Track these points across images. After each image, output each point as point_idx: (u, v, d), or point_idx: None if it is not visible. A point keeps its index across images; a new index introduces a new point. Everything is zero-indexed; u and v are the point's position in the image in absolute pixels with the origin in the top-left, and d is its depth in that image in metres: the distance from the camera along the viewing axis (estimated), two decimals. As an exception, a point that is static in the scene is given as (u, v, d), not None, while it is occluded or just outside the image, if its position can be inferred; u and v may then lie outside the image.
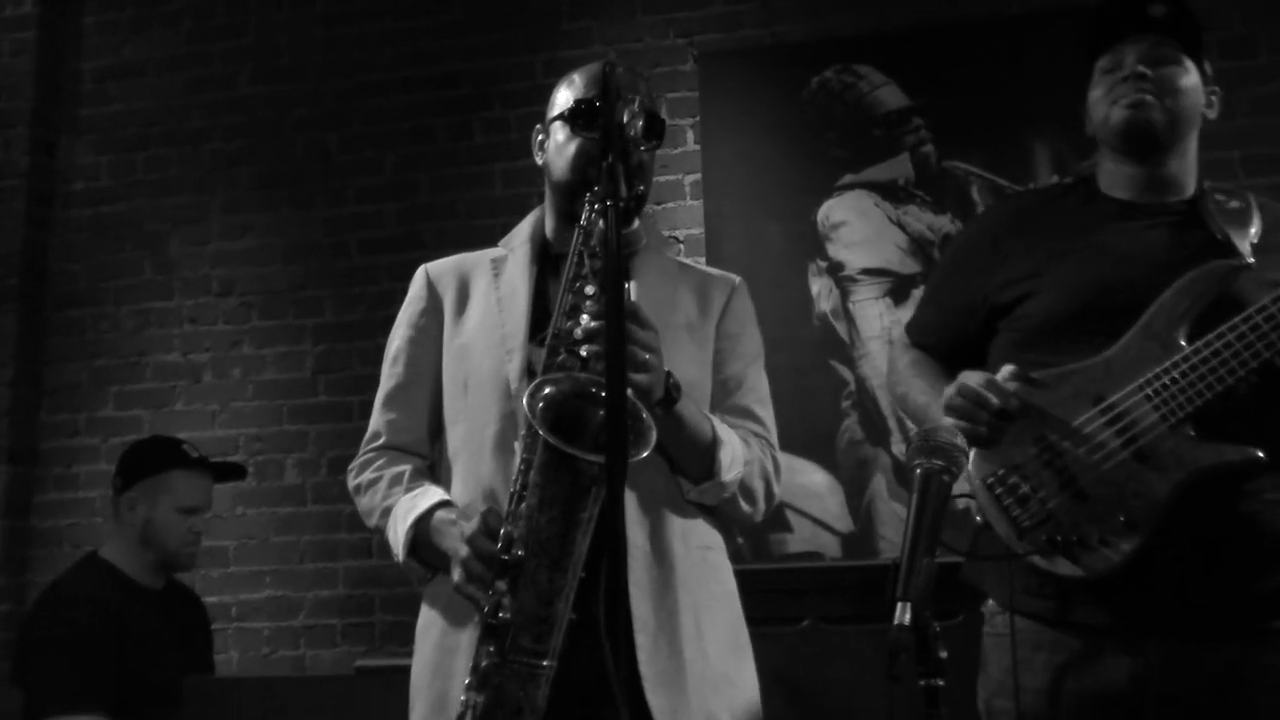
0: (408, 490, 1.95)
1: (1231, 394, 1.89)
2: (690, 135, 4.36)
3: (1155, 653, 1.90)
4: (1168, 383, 1.90)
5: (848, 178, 4.19)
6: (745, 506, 1.98)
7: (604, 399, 1.45)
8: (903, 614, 1.46)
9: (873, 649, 2.57)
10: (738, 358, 2.07)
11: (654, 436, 1.69)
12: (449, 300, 2.06)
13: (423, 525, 1.89)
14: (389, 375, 2.08)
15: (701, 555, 1.94)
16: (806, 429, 3.94)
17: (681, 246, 4.21)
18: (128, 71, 4.88)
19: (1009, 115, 4.05)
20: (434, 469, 2.04)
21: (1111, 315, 1.97)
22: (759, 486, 1.99)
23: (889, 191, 4.15)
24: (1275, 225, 2.02)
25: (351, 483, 2.04)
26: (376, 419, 2.07)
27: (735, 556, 2.06)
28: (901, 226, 4.12)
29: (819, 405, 4.03)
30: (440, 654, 1.89)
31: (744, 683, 1.93)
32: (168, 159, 4.78)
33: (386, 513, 1.96)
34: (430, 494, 1.93)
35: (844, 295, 4.13)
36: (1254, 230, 1.99)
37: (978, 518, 1.98)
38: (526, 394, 1.69)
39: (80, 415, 4.65)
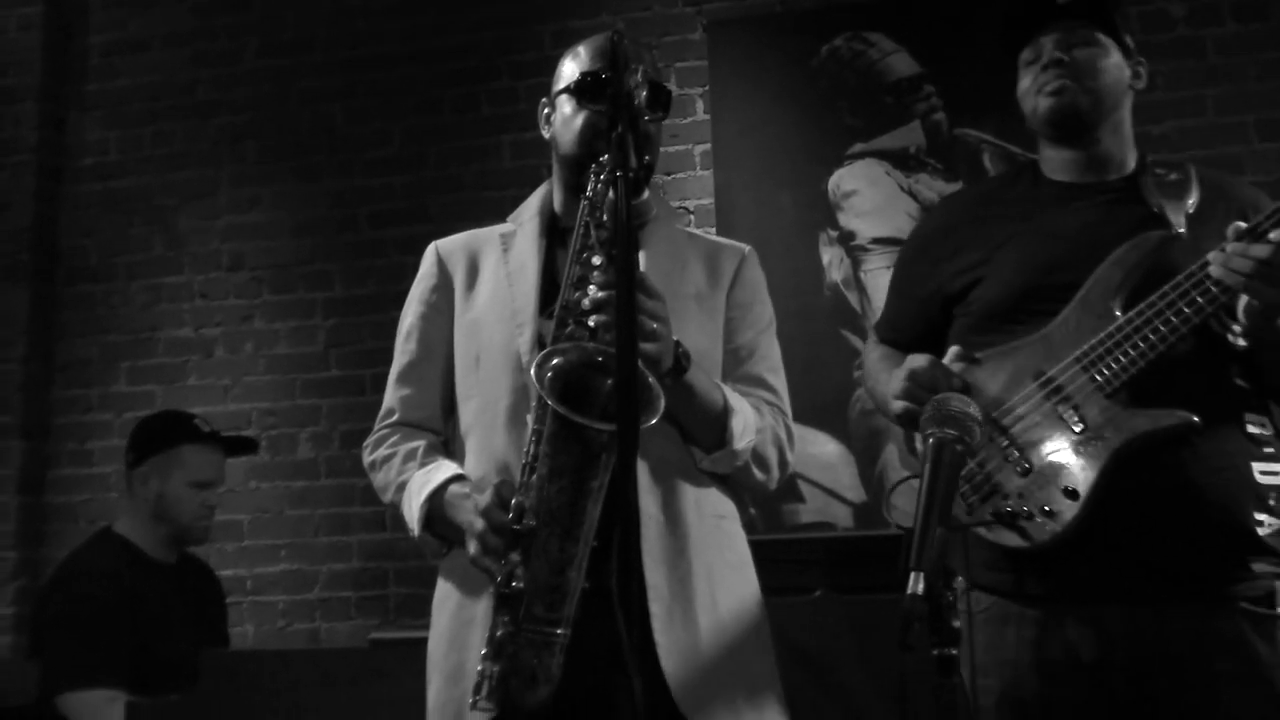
0: (421, 466, 1.96)
1: (1166, 360, 1.92)
2: (699, 105, 4.33)
3: (1116, 621, 1.92)
4: (1103, 353, 1.95)
5: (858, 146, 4.16)
6: (759, 474, 1.99)
7: (612, 368, 1.45)
8: (916, 583, 1.46)
9: (885, 619, 2.58)
10: (749, 326, 2.07)
11: (662, 403, 1.69)
12: (459, 276, 2.06)
13: (437, 500, 1.90)
14: (402, 352, 2.09)
15: (715, 524, 1.94)
16: (818, 399, 3.93)
17: (692, 217, 4.19)
18: (134, 46, 4.87)
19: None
20: (448, 444, 2.05)
21: (1054, 294, 2.02)
22: (772, 454, 1.99)
23: (900, 160, 4.12)
24: (1213, 195, 2.07)
25: (366, 459, 2.06)
26: (390, 396, 2.08)
27: (747, 527, 2.06)
28: (913, 195, 4.10)
29: (830, 375, 4.02)
30: (457, 626, 1.90)
31: (759, 650, 1.93)
32: (175, 133, 4.78)
33: (401, 488, 1.97)
34: (444, 468, 1.94)
35: (855, 264, 4.11)
36: (1191, 201, 2.05)
37: None
38: (535, 365, 1.70)
39: (93, 391, 4.66)
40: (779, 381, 2.08)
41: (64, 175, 4.82)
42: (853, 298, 4.09)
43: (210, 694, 2.57)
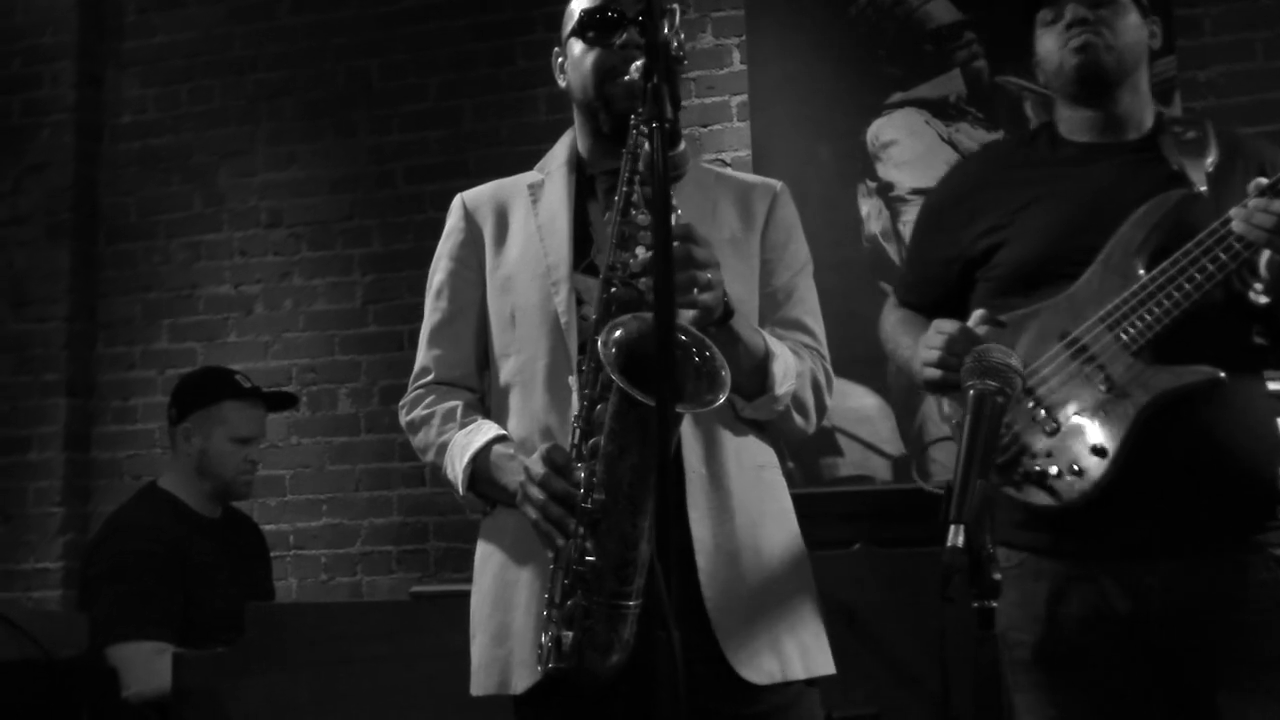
0: (462, 426, 1.94)
1: (1190, 318, 1.93)
2: (736, 55, 4.29)
3: (1149, 574, 1.94)
4: (1127, 311, 1.96)
5: (897, 95, 4.11)
6: (798, 419, 1.96)
7: (677, 339, 1.43)
8: (956, 536, 1.45)
9: (925, 572, 2.57)
10: (785, 268, 2.03)
11: (729, 379, 1.68)
12: (488, 230, 2.03)
13: (481, 460, 1.88)
14: (433, 310, 2.06)
15: (756, 474, 1.94)
16: (856, 352, 3.88)
17: (715, 168, 4.16)
18: (170, 2, 4.87)
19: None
20: (483, 400, 2.04)
21: (1077, 256, 2.03)
22: (810, 398, 1.97)
23: (940, 109, 4.07)
24: (1230, 152, 2.07)
25: (404, 419, 2.04)
26: (423, 354, 2.05)
27: (786, 480, 2.05)
28: (953, 145, 4.04)
29: (869, 328, 3.91)
30: (500, 586, 1.90)
31: (804, 596, 1.94)
32: (212, 90, 4.78)
33: (442, 449, 1.95)
34: (485, 429, 1.92)
35: (894, 216, 4.07)
36: (1210, 159, 2.05)
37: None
38: (599, 340, 1.67)
39: (135, 348, 4.71)
40: (816, 324, 2.04)
41: (103, 134, 4.84)
42: (891, 249, 4.05)
43: (255, 646, 2.61)
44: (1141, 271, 1.97)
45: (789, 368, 1.91)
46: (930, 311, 2.21)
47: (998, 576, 1.46)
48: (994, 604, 1.46)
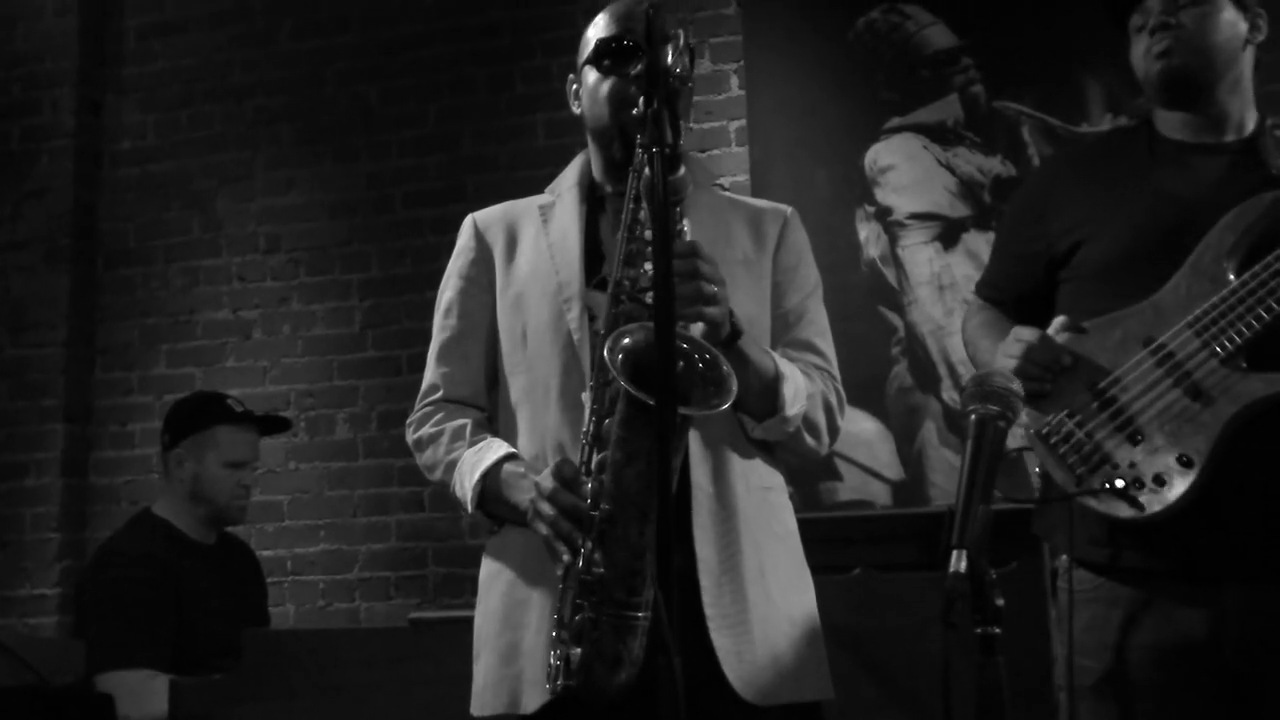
0: (471, 444, 1.94)
1: None
2: (734, 81, 4.30)
3: (1230, 597, 1.89)
4: (1216, 316, 1.90)
5: (895, 120, 4.12)
6: (810, 441, 1.96)
7: (680, 347, 1.44)
8: (958, 561, 1.44)
9: (925, 597, 2.56)
10: (796, 290, 2.04)
11: (735, 384, 1.68)
12: (499, 249, 2.03)
13: (491, 478, 1.88)
14: (442, 328, 2.06)
15: (762, 496, 1.93)
16: (855, 376, 3.86)
17: (728, 193, 4.17)
18: (170, 28, 4.89)
19: (1060, 52, 3.96)
20: (492, 420, 2.03)
21: (1166, 257, 1.96)
22: (822, 419, 1.97)
23: (938, 133, 4.08)
24: None
25: (411, 437, 2.03)
26: (432, 372, 2.05)
27: (786, 505, 2.04)
28: (951, 169, 4.05)
29: (868, 352, 3.99)
30: (509, 605, 1.89)
31: (806, 620, 1.93)
32: (211, 115, 4.80)
33: (450, 467, 1.95)
34: (495, 447, 1.92)
35: (892, 240, 4.07)
36: None
37: (1036, 469, 1.97)
38: (605, 347, 1.67)
39: (133, 373, 4.70)
40: (827, 345, 2.05)
41: (103, 159, 4.85)
42: (890, 274, 4.06)
43: (253, 673, 2.59)
44: (1231, 276, 1.91)
45: (799, 389, 1.91)
46: (1013, 307, 2.18)
47: (1000, 602, 1.45)
48: (997, 630, 1.45)
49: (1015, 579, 2.01)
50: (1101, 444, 1.92)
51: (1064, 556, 2.03)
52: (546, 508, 1.75)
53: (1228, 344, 1.88)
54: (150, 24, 4.91)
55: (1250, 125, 2.07)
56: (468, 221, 2.09)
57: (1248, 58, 2.08)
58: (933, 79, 4.11)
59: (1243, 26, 2.06)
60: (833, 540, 3.61)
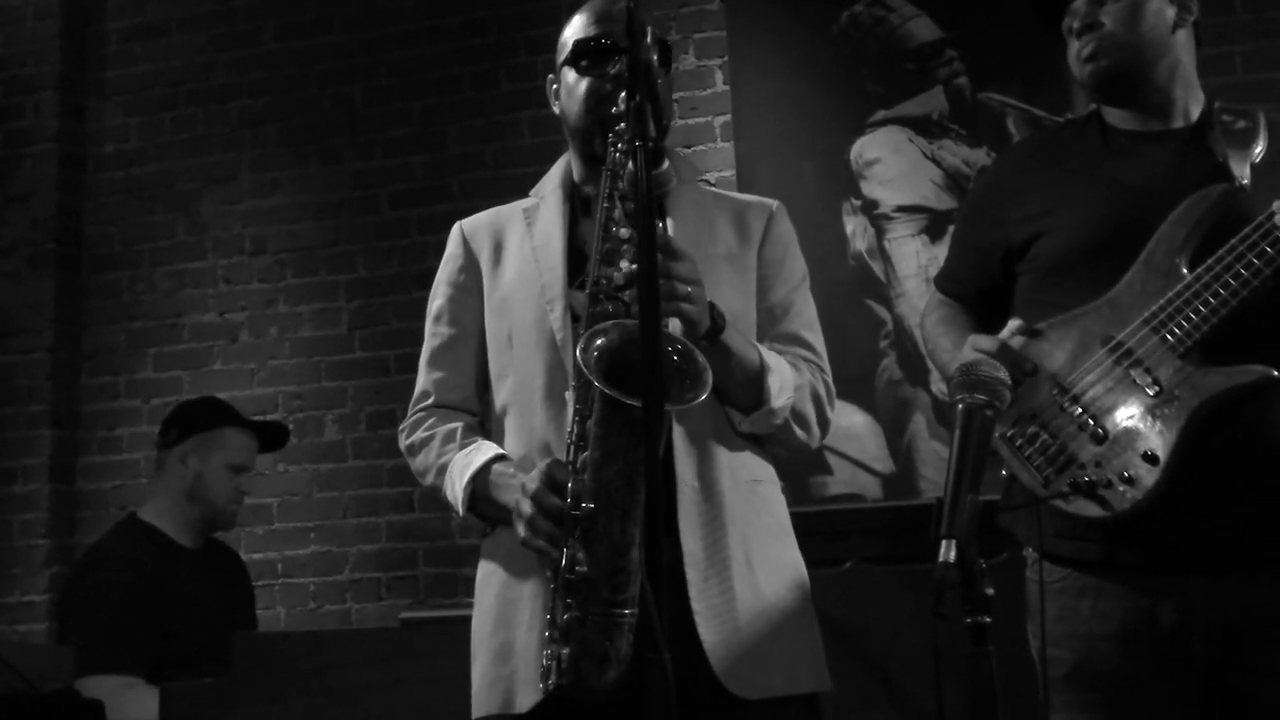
0: (461, 447, 1.96)
1: (1238, 316, 1.87)
2: (719, 76, 4.30)
3: (1197, 589, 1.89)
4: (1172, 312, 1.89)
5: (880, 114, 4.12)
6: (799, 432, 1.96)
7: (656, 345, 1.44)
8: (948, 551, 1.43)
9: (916, 589, 2.56)
10: (782, 283, 2.04)
11: (710, 378, 1.69)
12: (485, 255, 2.05)
13: (481, 480, 1.89)
14: (432, 334, 2.08)
15: (750, 489, 1.93)
16: (844, 370, 3.89)
17: (714, 188, 4.17)
18: (152, 31, 4.87)
19: (1045, 44, 3.90)
20: (484, 424, 2.05)
21: (1121, 250, 1.96)
22: (811, 410, 1.97)
23: (923, 126, 4.08)
24: None
25: (403, 443, 2.05)
26: (423, 378, 2.07)
27: (776, 499, 2.04)
28: (936, 162, 4.06)
29: (856, 346, 3.99)
30: (502, 605, 1.90)
31: (799, 615, 1.92)
32: (195, 118, 4.78)
33: (442, 470, 1.96)
34: (485, 449, 1.93)
35: (879, 234, 4.07)
36: (1258, 149, 1.97)
37: (1003, 471, 1.97)
38: (579, 348, 1.68)
39: (120, 378, 4.68)
40: (816, 338, 2.05)
41: (86, 163, 4.83)
42: (877, 267, 4.06)
43: (244, 675, 2.59)
44: (1185, 270, 1.91)
45: (786, 381, 1.92)
46: (973, 301, 2.18)
47: (990, 591, 1.45)
48: (987, 619, 1.45)
49: (1005, 569, 2.01)
50: (1066, 445, 1.92)
51: (1030, 549, 2.04)
52: (527, 507, 1.76)
53: (1186, 339, 1.88)
54: (132, 27, 4.89)
55: (1196, 111, 2.07)
56: (455, 229, 2.11)
57: (1182, 39, 2.06)
58: (917, 72, 4.11)
59: (1170, 12, 2.04)
60: (824, 534, 3.62)
